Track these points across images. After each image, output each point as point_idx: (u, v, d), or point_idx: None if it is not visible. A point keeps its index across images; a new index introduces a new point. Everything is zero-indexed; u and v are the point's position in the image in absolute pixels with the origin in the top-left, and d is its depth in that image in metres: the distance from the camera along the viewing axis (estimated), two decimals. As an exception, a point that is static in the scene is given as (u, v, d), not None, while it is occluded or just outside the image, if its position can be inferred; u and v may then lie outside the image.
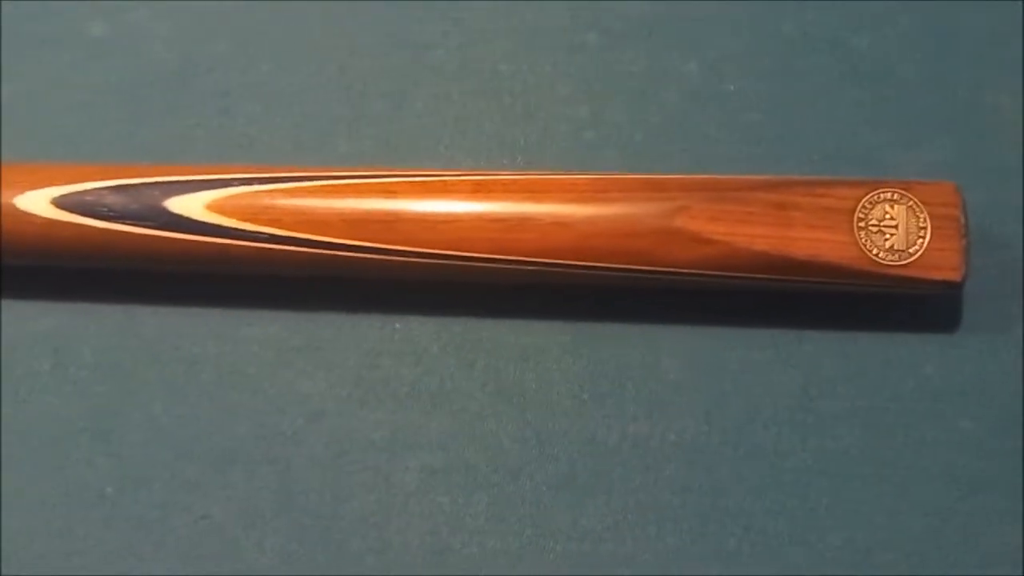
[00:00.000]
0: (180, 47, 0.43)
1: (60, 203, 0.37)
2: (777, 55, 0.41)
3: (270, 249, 0.36)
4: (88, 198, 0.37)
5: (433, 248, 0.36)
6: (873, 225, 0.35)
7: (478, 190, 0.37)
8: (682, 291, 0.37)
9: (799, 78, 0.40)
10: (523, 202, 0.36)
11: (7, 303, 0.40)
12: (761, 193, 0.36)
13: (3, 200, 0.37)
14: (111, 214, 0.37)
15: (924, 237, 0.35)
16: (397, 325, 0.39)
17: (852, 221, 0.35)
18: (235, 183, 0.37)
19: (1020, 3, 0.40)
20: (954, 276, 0.35)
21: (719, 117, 0.40)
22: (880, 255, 0.35)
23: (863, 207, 0.36)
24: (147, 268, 0.38)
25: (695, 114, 0.40)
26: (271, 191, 0.37)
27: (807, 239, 0.35)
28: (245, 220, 0.36)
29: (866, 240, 0.35)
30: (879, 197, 0.36)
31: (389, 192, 0.37)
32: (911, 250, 0.35)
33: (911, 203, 0.35)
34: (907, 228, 0.35)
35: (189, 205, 0.37)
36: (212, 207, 0.37)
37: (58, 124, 0.42)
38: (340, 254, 0.36)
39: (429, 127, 0.41)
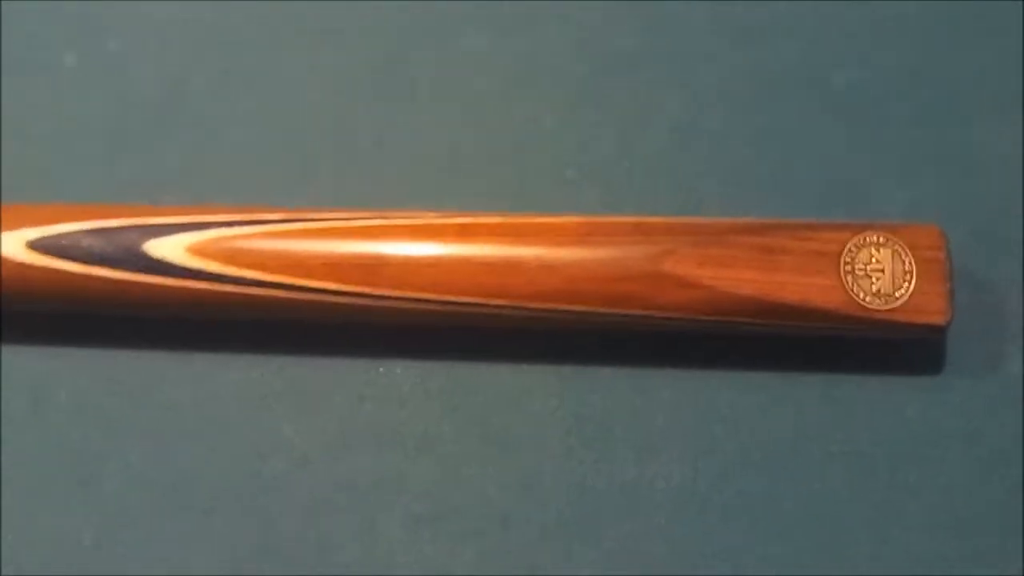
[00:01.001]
0: (156, 80, 0.42)
1: (35, 246, 0.36)
2: (761, 91, 0.41)
3: (252, 294, 0.36)
4: (64, 241, 0.36)
5: (418, 292, 0.36)
6: (860, 269, 0.35)
7: (464, 233, 0.36)
8: (669, 335, 0.37)
9: (783, 114, 0.40)
10: (510, 245, 0.36)
11: (-18, 347, 0.39)
12: (747, 237, 0.36)
13: (-27, 245, 0.36)
14: (89, 257, 0.36)
15: (909, 281, 0.35)
16: (381, 369, 0.38)
17: (839, 265, 0.35)
18: (216, 225, 0.36)
19: (1008, 38, 0.41)
20: (939, 320, 0.35)
21: (703, 154, 0.40)
22: (866, 299, 0.35)
23: (849, 251, 0.36)
24: (126, 312, 0.38)
25: (679, 151, 0.40)
26: (253, 234, 0.36)
27: (794, 283, 0.35)
28: (227, 264, 0.36)
29: (852, 284, 0.35)
30: (864, 241, 0.36)
31: (373, 235, 0.36)
32: (897, 294, 0.35)
33: (896, 247, 0.36)
34: (893, 272, 0.35)
35: (169, 248, 0.36)
36: (193, 250, 0.36)
37: (29, 160, 0.41)
38: (324, 299, 0.36)
39: (411, 163, 0.41)
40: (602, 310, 0.35)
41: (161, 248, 0.36)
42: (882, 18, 0.41)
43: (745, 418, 0.37)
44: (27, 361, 0.39)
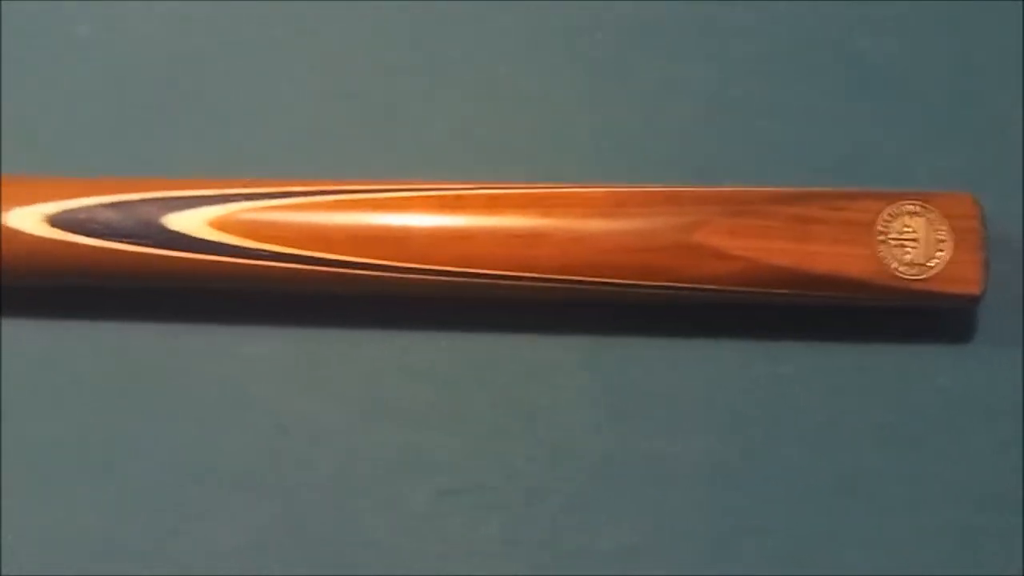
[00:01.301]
0: (171, 48, 0.41)
1: (53, 220, 0.36)
2: (790, 59, 0.40)
3: (275, 267, 0.35)
4: (82, 215, 0.35)
5: (445, 265, 0.35)
6: (893, 239, 0.35)
7: (492, 205, 0.35)
8: (699, 305, 0.36)
9: (812, 83, 0.40)
10: (538, 217, 0.35)
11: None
12: (781, 206, 0.35)
13: (-9, 219, 0.36)
14: (107, 232, 0.35)
15: (944, 250, 0.35)
16: (405, 342, 0.38)
17: (872, 235, 0.35)
18: (237, 199, 0.36)
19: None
20: (973, 289, 0.35)
21: (731, 124, 0.39)
22: (900, 269, 0.35)
23: (883, 220, 0.35)
24: (145, 286, 0.37)
25: (707, 121, 0.39)
26: (275, 207, 0.36)
27: (827, 253, 0.35)
28: (248, 237, 0.35)
29: (886, 254, 0.35)
30: (899, 210, 0.35)
31: (398, 207, 0.36)
32: (930, 263, 0.35)
33: (931, 215, 0.35)
34: (927, 241, 0.35)
35: (189, 222, 0.35)
36: (214, 224, 0.35)
37: (43, 131, 0.40)
38: (348, 272, 0.35)
39: (433, 134, 0.40)
40: (632, 282, 0.35)
41: (181, 221, 0.35)
42: None
43: (776, 389, 0.37)
44: (37, 335, 0.38)
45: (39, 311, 0.38)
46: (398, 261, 0.35)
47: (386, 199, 0.36)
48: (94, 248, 0.35)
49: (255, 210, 0.35)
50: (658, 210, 0.35)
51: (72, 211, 0.35)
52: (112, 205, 0.35)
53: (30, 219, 0.35)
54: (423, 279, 0.35)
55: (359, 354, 0.37)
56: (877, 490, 0.36)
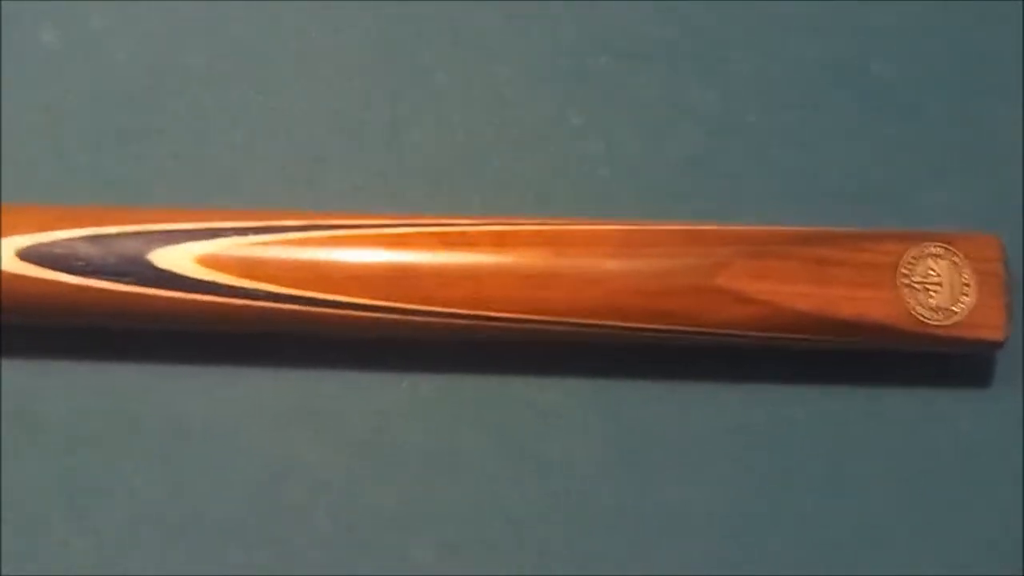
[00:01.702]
0: (148, 60, 0.39)
1: (26, 255, 0.33)
2: (799, 84, 0.38)
3: (269, 308, 0.33)
4: (58, 250, 0.33)
5: (450, 307, 0.33)
6: (917, 282, 0.34)
7: (500, 243, 0.34)
8: (714, 348, 0.35)
9: (822, 108, 0.38)
10: (549, 256, 0.33)
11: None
12: (802, 247, 0.34)
13: (-41, 251, 0.33)
14: (86, 269, 0.33)
15: (968, 295, 0.34)
16: (404, 384, 0.36)
17: (896, 278, 0.34)
18: (228, 232, 0.33)
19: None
20: (997, 336, 0.34)
21: (739, 152, 0.38)
22: (924, 314, 0.33)
23: (907, 263, 0.34)
24: (129, 327, 0.35)
25: (715, 148, 0.38)
26: (268, 242, 0.33)
27: (850, 298, 0.33)
28: (241, 276, 0.33)
29: (910, 298, 0.34)
30: (923, 252, 0.34)
31: (400, 244, 0.34)
32: (955, 308, 0.34)
33: (955, 259, 0.34)
34: (951, 285, 0.34)
35: (176, 259, 0.33)
36: (203, 261, 0.33)
37: (8, 151, 0.37)
38: (347, 313, 0.33)
39: (437, 165, 0.38)
40: (648, 326, 0.33)
41: (168, 258, 0.33)
42: (924, 10, 0.39)
43: (790, 434, 0.35)
44: (19, 377, 0.36)
45: (9, 349, 0.36)
46: (400, 302, 0.33)
47: (387, 235, 0.34)
48: (75, 287, 0.33)
49: (247, 246, 0.33)
50: (676, 251, 0.34)
51: (47, 245, 0.33)
52: (92, 239, 0.33)
53: (1, 253, 0.33)
54: (426, 321, 0.33)
55: (357, 397, 0.35)
56: (894, 537, 0.35)
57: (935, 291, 0.34)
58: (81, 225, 0.33)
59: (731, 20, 0.39)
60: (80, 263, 0.33)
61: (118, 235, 0.33)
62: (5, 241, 0.33)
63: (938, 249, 0.34)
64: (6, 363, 0.36)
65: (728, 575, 0.34)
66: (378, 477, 0.35)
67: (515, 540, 0.34)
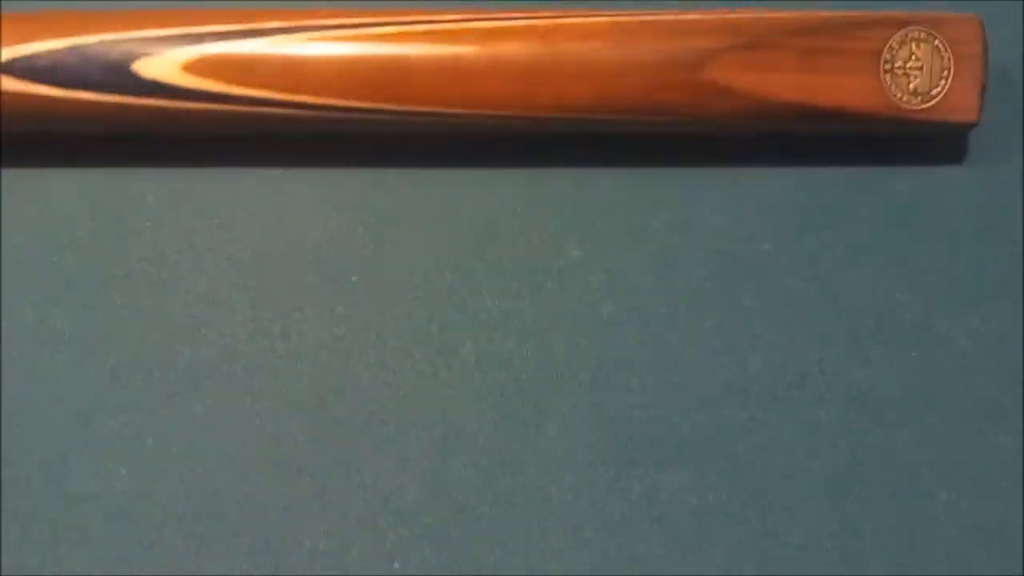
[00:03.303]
0: None
1: (7, 69, 0.32)
2: None
3: (258, 114, 0.33)
4: (40, 63, 0.32)
5: (439, 106, 0.33)
6: (899, 67, 0.34)
7: (489, 39, 0.33)
8: (698, 138, 0.36)
9: None
10: (539, 50, 0.33)
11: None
12: (791, 37, 0.34)
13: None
14: (70, 81, 0.32)
15: (946, 79, 0.35)
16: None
17: (879, 64, 0.34)
18: (212, 38, 0.32)
19: None
20: (970, 118, 0.35)
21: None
22: (903, 99, 0.34)
23: (890, 48, 0.34)
24: (117, 136, 0.34)
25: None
26: (255, 47, 0.33)
27: (834, 87, 0.34)
28: (229, 83, 0.32)
29: (891, 84, 0.34)
30: (906, 37, 0.34)
31: (387, 41, 0.33)
32: (933, 92, 0.35)
33: (937, 43, 0.35)
34: (931, 69, 0.35)
35: (162, 68, 0.32)
36: (189, 68, 0.32)
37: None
38: (335, 115, 0.33)
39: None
40: (637, 119, 0.34)
41: (153, 67, 0.32)
42: None
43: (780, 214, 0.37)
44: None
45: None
46: (389, 103, 0.33)
47: (374, 34, 0.33)
48: (58, 99, 0.32)
49: (233, 52, 0.32)
50: (666, 44, 0.34)
51: (28, 58, 0.32)
52: (74, 50, 0.32)
53: None
54: (415, 120, 0.33)
55: (350, 198, 0.36)
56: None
57: (915, 75, 0.35)
58: (62, 35, 0.32)
59: None
60: (65, 76, 0.32)
61: (100, 44, 0.32)
62: None
63: (921, 34, 0.35)
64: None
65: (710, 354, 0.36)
66: (367, 275, 0.36)
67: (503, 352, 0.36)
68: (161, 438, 0.34)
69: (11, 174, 0.35)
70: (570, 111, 0.33)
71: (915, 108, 0.34)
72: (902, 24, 0.34)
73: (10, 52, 0.32)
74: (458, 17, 0.34)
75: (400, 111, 0.33)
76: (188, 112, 0.32)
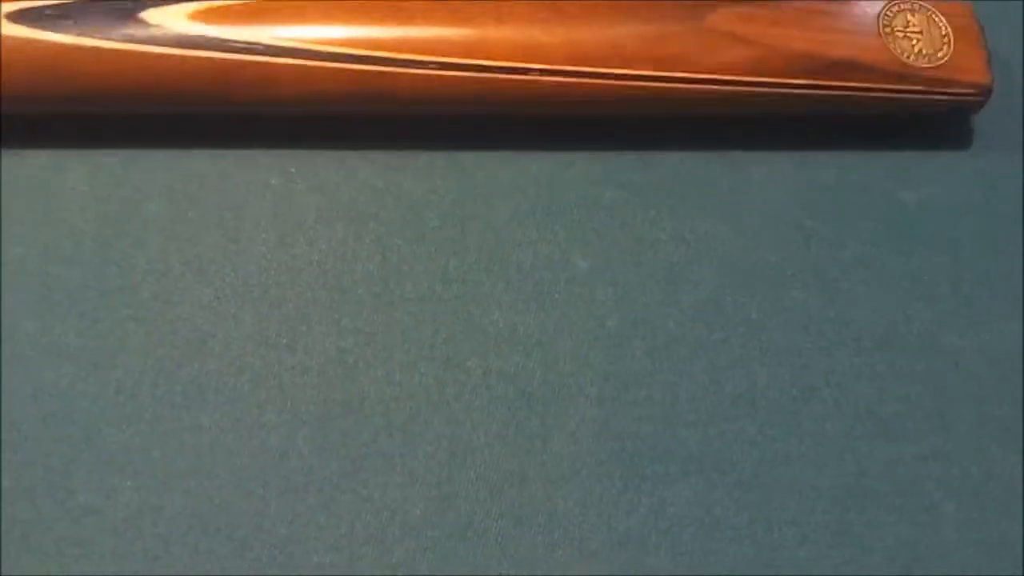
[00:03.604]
0: None
1: (17, 18, 0.33)
2: None
3: (267, 63, 0.33)
4: (49, 12, 0.33)
5: (447, 57, 0.34)
6: (899, 31, 0.35)
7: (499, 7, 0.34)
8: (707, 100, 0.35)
9: None
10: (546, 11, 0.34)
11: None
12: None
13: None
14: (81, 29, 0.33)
15: (948, 44, 0.35)
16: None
17: (878, 27, 0.35)
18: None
19: None
20: (984, 79, 0.35)
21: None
22: (911, 59, 0.34)
23: (885, 15, 0.35)
24: (126, 89, 0.34)
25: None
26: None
27: (842, 41, 0.35)
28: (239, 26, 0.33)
29: (895, 46, 0.35)
30: (898, 7, 0.35)
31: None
32: (939, 55, 0.34)
33: (930, 13, 0.35)
34: (931, 35, 0.35)
35: (169, 15, 0.33)
36: (196, 16, 0.33)
37: None
38: (345, 66, 0.34)
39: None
40: (643, 72, 0.34)
41: (160, 16, 0.33)
42: None
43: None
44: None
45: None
46: (395, 52, 0.34)
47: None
48: (68, 46, 0.33)
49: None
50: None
51: (37, 8, 0.33)
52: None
53: None
54: (422, 73, 0.34)
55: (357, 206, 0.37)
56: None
57: (916, 38, 0.35)
58: None
59: None
60: (71, 22, 0.33)
61: None
62: None
63: (913, 5, 0.36)
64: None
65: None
66: (374, 288, 0.36)
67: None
68: (167, 450, 0.34)
69: (14, 177, 0.36)
70: (574, 63, 0.34)
71: (924, 66, 0.34)
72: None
73: (20, 4, 0.33)
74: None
75: (404, 60, 0.34)
76: (195, 61, 0.33)
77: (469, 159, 0.37)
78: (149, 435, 0.34)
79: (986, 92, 0.35)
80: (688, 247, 0.36)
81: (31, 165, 0.37)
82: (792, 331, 0.36)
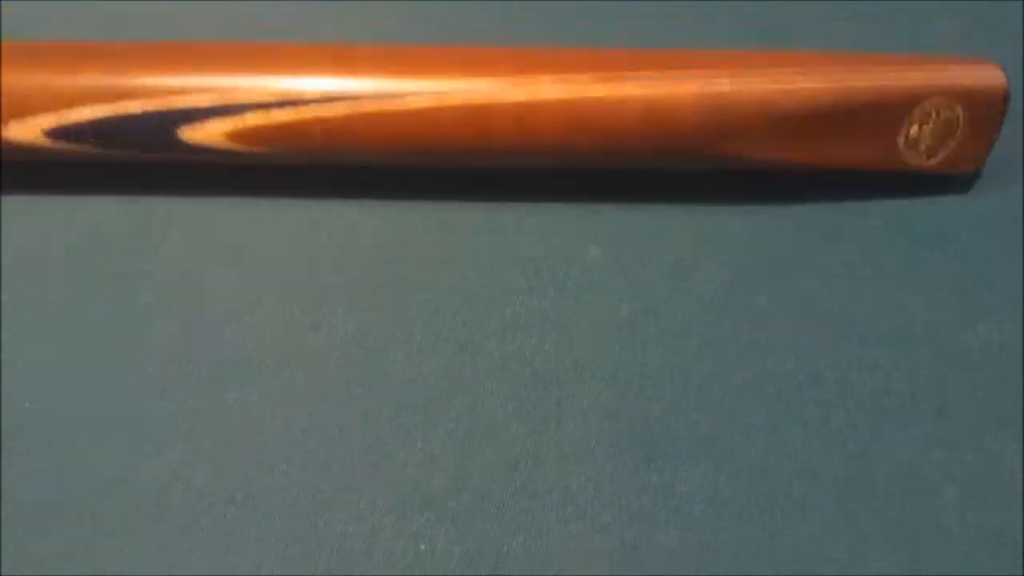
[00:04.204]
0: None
1: (52, 133, 0.35)
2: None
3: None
4: (86, 129, 0.35)
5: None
6: (913, 135, 0.35)
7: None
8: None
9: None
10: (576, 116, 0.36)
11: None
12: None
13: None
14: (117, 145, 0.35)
15: (956, 135, 0.36)
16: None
17: (895, 135, 0.36)
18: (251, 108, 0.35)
19: None
20: (981, 164, 0.37)
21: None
22: (914, 158, 0.35)
23: (910, 121, 0.36)
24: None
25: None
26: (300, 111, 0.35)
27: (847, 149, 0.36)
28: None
29: (905, 149, 0.35)
30: (926, 109, 0.36)
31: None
32: (943, 146, 0.36)
33: (958, 108, 0.36)
34: (941, 126, 0.35)
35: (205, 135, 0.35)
36: (231, 136, 0.35)
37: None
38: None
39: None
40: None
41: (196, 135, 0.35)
42: None
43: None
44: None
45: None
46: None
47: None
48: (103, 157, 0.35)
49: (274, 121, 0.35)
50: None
51: (75, 125, 0.35)
52: (121, 118, 0.35)
53: (28, 132, 0.35)
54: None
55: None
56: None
57: (927, 131, 0.35)
58: (105, 100, 0.35)
59: None
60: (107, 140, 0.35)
61: (143, 114, 0.35)
62: (31, 121, 0.35)
63: (943, 100, 0.36)
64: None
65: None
66: (395, 276, 0.38)
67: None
68: (195, 426, 0.35)
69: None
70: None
71: (925, 163, 0.35)
72: (922, 97, 0.35)
73: (56, 118, 0.35)
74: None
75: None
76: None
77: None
78: (176, 412, 0.36)
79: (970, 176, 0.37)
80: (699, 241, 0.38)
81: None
82: (799, 322, 0.37)
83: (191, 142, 0.34)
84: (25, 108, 0.34)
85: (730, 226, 0.38)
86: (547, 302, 0.38)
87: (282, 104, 0.34)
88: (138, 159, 0.35)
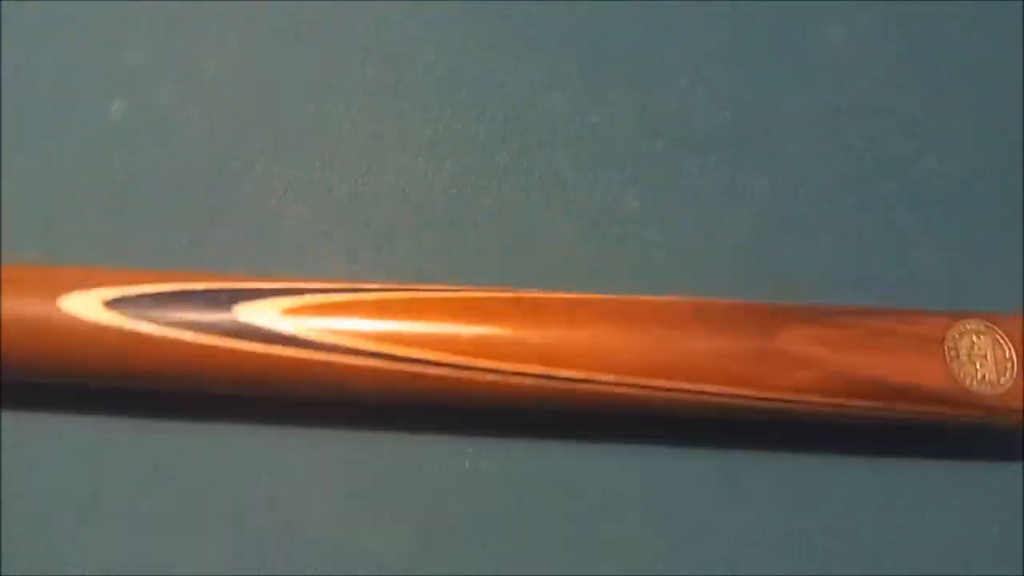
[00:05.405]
0: (214, 135, 0.41)
1: (112, 305, 0.34)
2: (847, 172, 0.41)
3: (352, 364, 0.34)
4: (145, 302, 0.34)
5: (525, 366, 0.34)
6: (964, 355, 0.35)
7: (573, 308, 0.35)
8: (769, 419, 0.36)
9: (869, 196, 0.41)
10: (619, 319, 0.35)
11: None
12: (853, 318, 0.36)
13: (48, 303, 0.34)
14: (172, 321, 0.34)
15: (1012, 368, 0.35)
16: (467, 464, 0.36)
17: (943, 351, 0.35)
18: (312, 292, 0.35)
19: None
20: None
21: (791, 241, 0.40)
22: (974, 385, 0.35)
23: (952, 337, 0.36)
24: (212, 383, 0.35)
25: (766, 237, 0.40)
26: (351, 300, 0.35)
27: (903, 365, 0.35)
28: (324, 329, 0.34)
29: (959, 371, 0.35)
30: (966, 328, 0.36)
31: (476, 307, 0.35)
32: (1002, 380, 0.35)
33: (997, 336, 0.36)
34: (995, 359, 0.36)
35: (262, 310, 0.34)
36: (289, 312, 0.34)
37: (67, 224, 0.39)
38: (427, 371, 0.34)
39: (492, 237, 0.40)
40: (714, 390, 0.35)
41: (252, 311, 0.34)
42: (975, 100, 0.42)
43: (843, 509, 0.37)
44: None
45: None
46: (473, 358, 0.34)
47: (463, 298, 0.35)
48: (157, 338, 0.34)
49: (331, 302, 0.34)
50: (739, 320, 0.35)
51: (134, 298, 0.34)
52: (179, 293, 0.34)
53: (88, 303, 0.34)
54: (499, 380, 0.34)
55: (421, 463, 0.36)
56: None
57: (981, 363, 0.36)
58: (164, 281, 0.35)
59: (786, 111, 0.42)
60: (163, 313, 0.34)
61: (203, 291, 0.34)
62: (93, 292, 0.34)
63: (980, 326, 0.36)
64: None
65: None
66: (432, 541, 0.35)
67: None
68: None
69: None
70: (647, 376, 0.34)
71: (987, 393, 0.35)
72: (962, 317, 0.36)
73: (118, 292, 0.34)
74: (508, 295, 0.36)
75: (484, 368, 0.34)
76: (281, 358, 0.34)
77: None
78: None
79: None
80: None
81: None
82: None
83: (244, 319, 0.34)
84: (88, 282, 0.34)
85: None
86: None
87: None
88: (194, 348, 0.34)
